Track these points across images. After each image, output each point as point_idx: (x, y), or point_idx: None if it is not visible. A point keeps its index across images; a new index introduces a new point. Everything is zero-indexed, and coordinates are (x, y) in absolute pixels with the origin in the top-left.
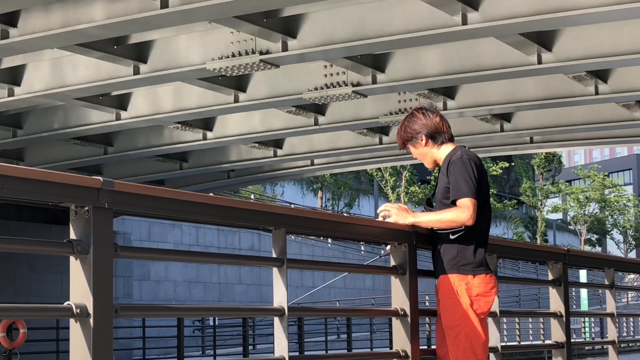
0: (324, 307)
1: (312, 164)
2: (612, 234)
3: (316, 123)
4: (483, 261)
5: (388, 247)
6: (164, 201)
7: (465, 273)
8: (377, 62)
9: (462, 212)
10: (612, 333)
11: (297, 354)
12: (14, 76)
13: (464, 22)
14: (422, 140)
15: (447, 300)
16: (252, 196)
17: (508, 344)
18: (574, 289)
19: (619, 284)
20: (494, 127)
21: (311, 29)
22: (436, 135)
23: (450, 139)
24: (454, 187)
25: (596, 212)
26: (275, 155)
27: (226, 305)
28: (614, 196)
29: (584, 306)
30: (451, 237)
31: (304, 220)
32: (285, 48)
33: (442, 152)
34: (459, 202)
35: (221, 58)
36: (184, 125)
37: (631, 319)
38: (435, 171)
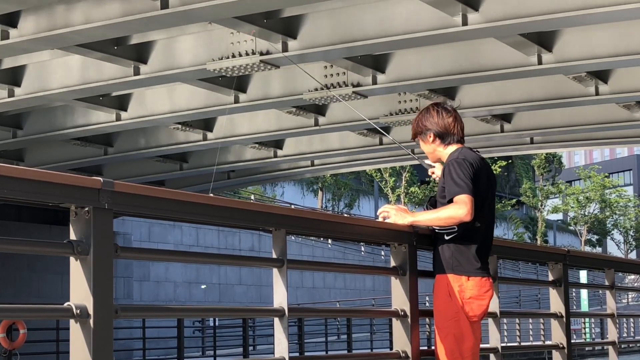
0: (324, 308)
1: (312, 165)
2: (612, 234)
3: (316, 124)
4: (480, 263)
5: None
6: (164, 202)
7: (459, 274)
8: (377, 62)
9: (459, 208)
10: (612, 334)
11: (297, 354)
12: (14, 76)
13: (464, 22)
14: (430, 137)
15: (439, 300)
16: (252, 197)
17: (508, 344)
18: (574, 290)
19: (619, 284)
20: (494, 127)
21: (311, 29)
22: (445, 136)
23: (459, 141)
24: (448, 187)
25: (596, 213)
26: (275, 156)
27: (226, 306)
28: (615, 197)
29: (584, 307)
30: (445, 237)
31: (304, 221)
32: (285, 49)
33: (447, 152)
34: (455, 199)
35: (221, 59)
36: (184, 125)
37: (631, 319)
38: None
